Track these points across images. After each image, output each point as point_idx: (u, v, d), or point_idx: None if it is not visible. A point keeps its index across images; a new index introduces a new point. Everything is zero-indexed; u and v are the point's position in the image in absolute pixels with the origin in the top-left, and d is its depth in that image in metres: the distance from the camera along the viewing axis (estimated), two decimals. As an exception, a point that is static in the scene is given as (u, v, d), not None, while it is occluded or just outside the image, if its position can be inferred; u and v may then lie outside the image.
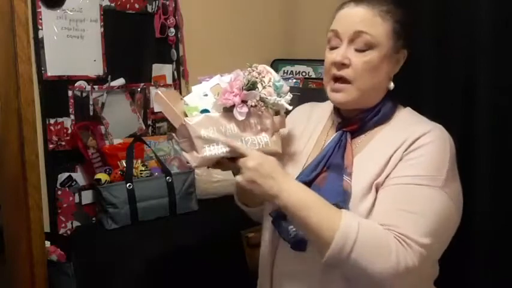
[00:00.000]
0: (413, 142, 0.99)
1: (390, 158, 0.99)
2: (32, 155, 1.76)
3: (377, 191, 0.99)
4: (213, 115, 1.07)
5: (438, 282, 1.07)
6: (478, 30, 1.45)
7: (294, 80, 2.39)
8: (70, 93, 1.90)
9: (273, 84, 1.10)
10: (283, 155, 1.13)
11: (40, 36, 1.81)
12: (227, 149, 1.04)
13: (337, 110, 1.13)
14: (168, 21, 2.14)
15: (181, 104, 1.11)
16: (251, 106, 1.05)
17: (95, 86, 1.94)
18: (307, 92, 2.27)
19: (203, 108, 1.09)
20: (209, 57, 2.23)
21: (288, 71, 2.49)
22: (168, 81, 2.17)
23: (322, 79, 2.49)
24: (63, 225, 1.91)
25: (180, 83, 2.22)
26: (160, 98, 1.11)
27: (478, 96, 1.46)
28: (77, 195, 1.94)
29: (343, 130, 1.09)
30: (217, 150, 1.04)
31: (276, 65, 2.51)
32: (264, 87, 1.07)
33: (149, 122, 2.14)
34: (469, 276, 1.49)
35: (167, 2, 2.13)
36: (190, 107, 1.09)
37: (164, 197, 1.87)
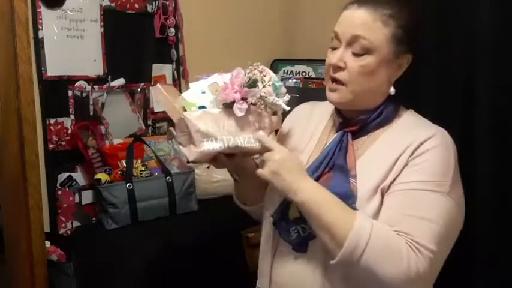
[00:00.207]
0: (418, 147, 0.98)
1: (395, 162, 0.99)
2: (32, 155, 1.76)
3: (382, 195, 0.99)
4: (213, 110, 1.07)
5: (438, 282, 1.07)
6: (478, 30, 1.45)
7: (294, 80, 2.39)
8: (70, 93, 1.90)
9: (272, 84, 1.10)
10: None
11: (40, 36, 1.81)
12: (225, 144, 1.04)
13: (338, 110, 1.13)
14: (168, 21, 2.14)
15: (179, 100, 1.11)
16: (251, 103, 1.06)
17: (95, 86, 1.94)
18: (307, 92, 2.27)
19: (201, 104, 1.09)
20: (209, 57, 2.23)
21: (288, 71, 2.49)
22: (168, 81, 2.17)
23: (322, 79, 2.49)
24: (63, 225, 1.91)
25: (180, 83, 2.22)
26: (160, 92, 1.11)
27: (478, 96, 1.46)
28: (77, 195, 1.94)
29: (344, 131, 1.09)
30: (216, 145, 1.05)
31: (276, 65, 2.51)
32: (264, 86, 1.07)
33: (149, 122, 2.14)
34: (469, 276, 1.49)
35: (167, 2, 2.13)
36: (188, 102, 1.10)
37: (164, 197, 1.87)
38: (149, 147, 1.98)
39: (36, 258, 1.77)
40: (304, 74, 2.45)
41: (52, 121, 1.86)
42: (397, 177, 0.98)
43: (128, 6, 2.02)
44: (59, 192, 1.90)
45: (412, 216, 0.93)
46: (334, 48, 1.06)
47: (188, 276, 1.71)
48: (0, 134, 1.75)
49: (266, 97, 1.07)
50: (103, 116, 1.97)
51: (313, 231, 1.01)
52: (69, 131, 1.89)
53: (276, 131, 1.16)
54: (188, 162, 2.05)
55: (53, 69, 1.85)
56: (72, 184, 1.93)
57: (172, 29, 2.15)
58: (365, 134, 1.08)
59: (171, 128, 1.11)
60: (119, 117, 2.02)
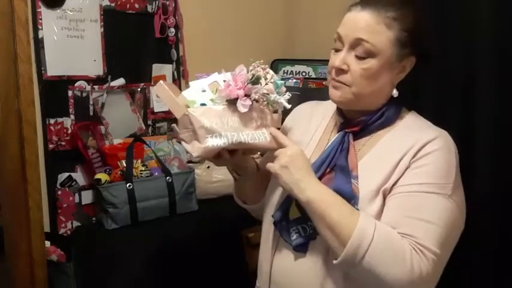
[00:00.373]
0: (420, 149, 0.98)
1: (397, 164, 0.99)
2: (32, 155, 1.76)
3: (384, 197, 0.99)
4: (216, 107, 1.08)
5: (438, 283, 1.07)
6: (478, 29, 1.45)
7: (294, 80, 2.39)
8: (70, 93, 1.90)
9: (274, 81, 1.10)
10: None
11: (40, 36, 1.81)
12: (229, 140, 1.05)
13: (340, 110, 1.13)
14: (168, 21, 2.14)
15: (180, 98, 1.11)
16: (254, 100, 1.06)
17: (95, 86, 1.94)
18: (307, 92, 2.27)
19: (201, 102, 1.09)
20: (209, 57, 2.23)
21: (288, 71, 2.49)
22: (168, 81, 2.17)
23: (322, 79, 2.50)
24: (63, 225, 1.91)
25: (180, 83, 2.22)
26: (163, 89, 1.12)
27: (478, 96, 1.46)
28: (77, 195, 1.94)
29: (345, 131, 1.08)
30: (220, 141, 1.05)
31: (276, 65, 2.51)
32: (266, 83, 1.08)
33: (149, 122, 2.14)
34: (469, 276, 1.48)
35: (167, 2, 2.13)
36: (189, 100, 1.10)
37: (164, 197, 1.87)
38: (149, 147, 1.98)
39: (36, 258, 1.77)
40: (304, 74, 2.45)
41: (52, 121, 1.86)
42: (399, 179, 0.98)
43: (127, 6, 2.02)
44: (59, 192, 1.90)
45: (414, 219, 0.93)
46: (337, 50, 1.05)
47: (188, 276, 1.71)
48: (0, 134, 1.75)
49: (268, 94, 1.08)
50: (103, 116, 1.97)
51: (314, 232, 1.01)
52: (69, 131, 1.89)
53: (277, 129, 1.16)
54: (188, 162, 2.05)
55: (53, 69, 1.85)
56: (72, 184, 1.93)
57: (172, 29, 2.16)
58: (367, 135, 1.08)
59: (173, 125, 1.11)
60: (119, 117, 2.02)
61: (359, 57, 1.00)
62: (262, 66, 1.10)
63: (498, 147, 1.44)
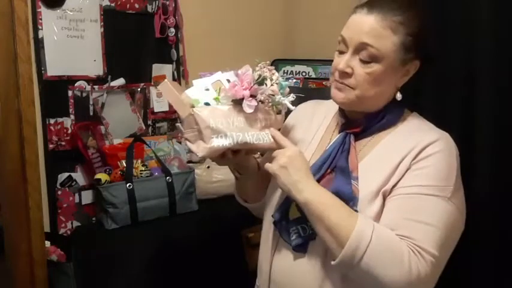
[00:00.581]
0: (422, 151, 0.98)
1: (398, 165, 0.99)
2: (32, 155, 1.76)
3: (384, 198, 0.98)
4: (222, 107, 1.08)
5: (438, 283, 1.07)
6: (478, 29, 1.45)
7: (294, 80, 2.39)
8: (70, 93, 1.90)
9: (278, 82, 1.11)
10: None
11: (40, 36, 1.81)
12: (235, 140, 1.05)
13: (342, 111, 1.13)
14: (168, 21, 2.14)
15: (184, 96, 1.11)
16: (259, 101, 1.06)
17: (95, 86, 1.94)
18: (307, 92, 2.27)
19: (205, 101, 1.09)
20: (209, 57, 2.23)
21: (288, 71, 2.49)
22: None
23: (322, 79, 2.49)
24: (63, 225, 1.91)
25: (180, 83, 2.22)
26: (168, 88, 1.11)
27: (478, 96, 1.46)
28: (77, 195, 1.94)
29: (346, 132, 1.08)
30: (225, 142, 1.05)
31: (276, 65, 2.51)
32: (272, 84, 1.08)
33: (149, 122, 2.14)
34: (469, 276, 1.48)
35: (167, 2, 2.13)
36: (192, 98, 1.09)
37: (164, 197, 1.87)
38: (149, 147, 1.98)
39: (36, 258, 1.77)
40: (304, 74, 2.44)
41: (52, 121, 1.86)
42: (399, 180, 0.98)
43: (127, 6, 2.02)
44: (59, 192, 1.90)
45: (413, 221, 0.93)
46: (341, 52, 1.04)
47: (188, 276, 1.71)
48: (0, 134, 1.75)
49: (273, 95, 1.08)
50: (103, 116, 1.97)
51: (313, 232, 1.01)
52: (69, 131, 1.89)
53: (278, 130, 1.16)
54: (188, 162, 2.05)
55: (53, 69, 1.85)
56: (72, 184, 1.93)
57: (172, 29, 2.15)
58: (368, 135, 1.07)
59: (178, 124, 1.11)
60: (119, 117, 2.02)
61: (363, 61, 1.00)
62: (269, 67, 1.10)
63: (498, 147, 1.44)
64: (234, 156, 1.09)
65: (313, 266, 1.02)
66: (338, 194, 0.98)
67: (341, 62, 1.02)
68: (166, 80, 1.13)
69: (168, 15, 2.13)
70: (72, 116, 1.90)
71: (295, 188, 0.98)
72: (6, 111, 1.74)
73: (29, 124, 1.75)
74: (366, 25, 0.99)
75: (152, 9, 2.09)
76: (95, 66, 1.96)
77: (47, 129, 1.85)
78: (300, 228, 1.04)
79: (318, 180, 1.04)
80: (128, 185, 1.80)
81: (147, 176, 1.87)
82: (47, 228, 1.85)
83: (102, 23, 1.95)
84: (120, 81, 2.01)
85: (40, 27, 1.81)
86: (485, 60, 1.44)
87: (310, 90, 2.32)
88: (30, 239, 1.77)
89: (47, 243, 1.81)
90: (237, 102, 1.07)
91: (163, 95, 1.16)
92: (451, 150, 1.00)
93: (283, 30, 2.62)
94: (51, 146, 1.86)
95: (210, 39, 2.30)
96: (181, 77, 2.22)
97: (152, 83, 2.12)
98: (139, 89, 2.08)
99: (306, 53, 2.46)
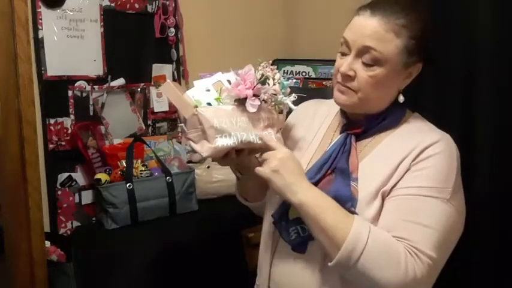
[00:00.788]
0: (422, 152, 0.98)
1: (398, 166, 0.99)
2: (32, 155, 1.76)
3: (383, 199, 0.98)
4: (225, 107, 1.08)
5: (438, 283, 1.07)
6: (478, 29, 1.45)
7: (294, 80, 2.39)
8: (70, 93, 1.90)
9: (280, 82, 1.11)
10: None
11: (40, 36, 1.81)
12: (238, 140, 1.05)
13: (343, 111, 1.12)
14: (168, 21, 2.14)
15: (185, 97, 1.11)
16: (262, 100, 1.07)
17: (95, 86, 1.94)
18: (307, 92, 2.27)
19: (207, 102, 1.09)
20: (209, 57, 2.23)
21: (288, 71, 2.49)
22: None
23: (322, 79, 2.49)
24: (63, 225, 1.91)
25: (180, 83, 2.22)
26: (171, 88, 1.11)
27: (478, 96, 1.46)
28: (77, 195, 1.94)
29: (347, 133, 1.08)
30: (229, 141, 1.05)
31: (276, 65, 2.51)
32: (274, 84, 1.08)
33: (149, 122, 2.14)
34: (469, 276, 1.48)
35: (167, 2, 2.13)
36: (194, 99, 1.09)
37: (164, 197, 1.87)
38: (149, 147, 1.98)
39: (36, 258, 1.77)
40: (304, 74, 2.44)
41: (52, 121, 1.86)
42: (398, 181, 0.98)
43: (127, 6, 2.02)
44: (59, 192, 1.90)
45: (411, 222, 0.93)
46: (343, 54, 1.04)
47: (188, 276, 1.71)
48: (0, 134, 1.75)
49: (276, 95, 1.09)
50: (103, 116, 1.97)
51: None
52: (69, 131, 1.89)
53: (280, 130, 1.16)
54: (188, 162, 2.05)
55: (53, 69, 1.85)
56: (72, 184, 1.93)
57: (172, 29, 2.15)
58: (369, 136, 1.07)
59: (181, 125, 1.11)
60: (119, 117, 2.02)
61: (366, 64, 0.99)
62: (271, 66, 1.10)
63: (498, 147, 1.44)
64: (237, 156, 1.08)
65: (312, 265, 1.02)
66: (337, 195, 0.98)
67: (343, 64, 1.01)
68: (168, 81, 1.13)
69: (168, 15, 2.13)
70: (72, 116, 1.90)
71: (289, 190, 0.98)
72: (6, 111, 1.74)
73: (29, 124, 1.75)
74: (368, 28, 0.98)
75: (152, 9, 2.09)
76: (95, 66, 1.96)
77: (47, 129, 1.85)
78: (299, 228, 1.04)
79: (318, 181, 1.04)
80: (128, 185, 1.80)
81: (147, 176, 1.87)
82: (47, 228, 1.85)
83: (102, 23, 1.95)
84: (120, 81, 2.01)
85: (40, 27, 1.81)
86: (485, 60, 1.44)
87: (310, 90, 2.32)
88: (30, 239, 1.77)
89: (47, 243, 1.81)
90: (240, 102, 1.07)
91: (166, 95, 1.16)
92: (451, 151, 1.00)
93: (283, 30, 2.62)
94: (51, 146, 1.86)
95: (210, 39, 2.30)
96: (181, 77, 2.22)
97: (152, 83, 2.12)
98: (139, 89, 2.08)
99: (306, 53, 2.46)
